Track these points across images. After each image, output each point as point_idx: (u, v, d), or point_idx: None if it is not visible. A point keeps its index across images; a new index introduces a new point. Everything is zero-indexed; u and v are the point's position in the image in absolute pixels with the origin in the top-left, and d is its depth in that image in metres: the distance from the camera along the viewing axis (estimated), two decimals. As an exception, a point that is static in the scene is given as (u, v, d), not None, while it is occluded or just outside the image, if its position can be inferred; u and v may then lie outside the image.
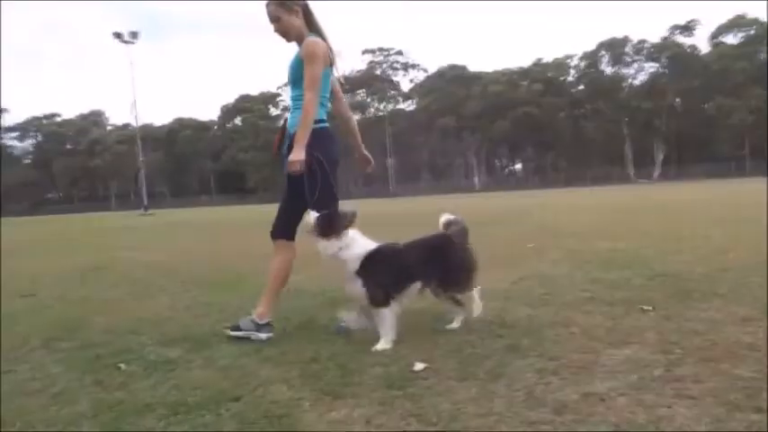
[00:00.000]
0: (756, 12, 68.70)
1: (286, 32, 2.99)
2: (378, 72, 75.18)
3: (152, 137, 73.54)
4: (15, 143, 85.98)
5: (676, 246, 5.50)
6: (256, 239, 10.17)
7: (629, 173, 62.05)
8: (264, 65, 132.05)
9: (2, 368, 2.63)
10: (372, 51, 74.97)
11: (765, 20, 58.39)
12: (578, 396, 1.91)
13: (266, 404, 2.01)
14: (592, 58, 66.63)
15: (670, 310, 2.97)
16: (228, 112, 79.43)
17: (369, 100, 76.22)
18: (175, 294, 4.41)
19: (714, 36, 64.74)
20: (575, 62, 69.12)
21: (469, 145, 68.42)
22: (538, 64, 71.03)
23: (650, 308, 3.04)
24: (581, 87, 68.71)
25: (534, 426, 1.72)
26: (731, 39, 64.10)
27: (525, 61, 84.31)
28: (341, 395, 2.06)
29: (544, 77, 68.11)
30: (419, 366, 2.30)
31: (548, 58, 70.89)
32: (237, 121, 79.08)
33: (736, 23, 63.37)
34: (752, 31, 62.43)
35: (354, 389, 2.11)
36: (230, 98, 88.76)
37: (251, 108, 77.81)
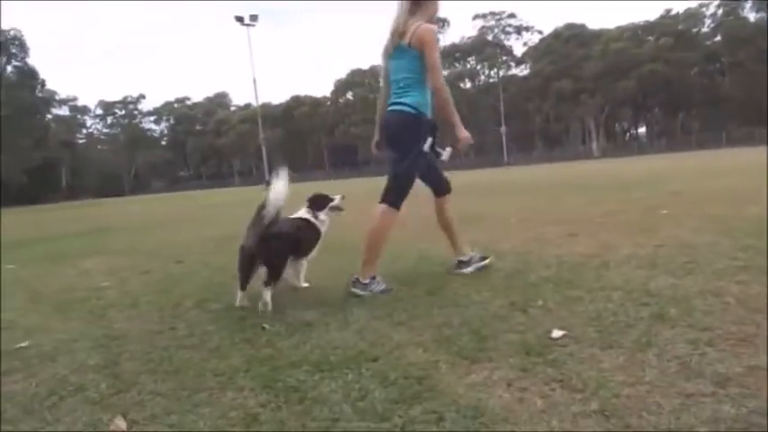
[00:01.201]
0: None
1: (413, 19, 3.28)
2: (489, 37, 72.89)
3: (271, 115, 77.27)
4: (153, 126, 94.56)
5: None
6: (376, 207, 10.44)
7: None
8: (374, 38, 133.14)
9: (165, 325, 2.93)
10: (483, 16, 72.74)
11: None
12: (742, 369, 1.76)
13: (404, 365, 2.06)
14: (731, 4, 59.71)
15: None
16: (340, 87, 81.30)
17: (479, 67, 74.33)
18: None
19: None
20: (710, 11, 62.41)
21: (588, 109, 64.69)
22: (667, 16, 65.05)
23: (819, 277, 2.71)
24: (717, 39, 62.03)
25: (692, 398, 1.61)
26: None
27: (652, 14, 77.57)
28: (477, 359, 2.06)
29: (674, 30, 62.26)
30: (557, 333, 2.24)
31: (679, 8, 64.64)
32: (349, 95, 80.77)
33: None
34: None
35: (491, 353, 2.10)
36: (342, 73, 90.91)
37: (361, 82, 79.04)
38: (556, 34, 69.05)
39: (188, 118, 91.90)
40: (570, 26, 68.37)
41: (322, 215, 3.69)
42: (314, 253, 3.62)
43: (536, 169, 35.25)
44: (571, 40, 66.72)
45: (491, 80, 73.63)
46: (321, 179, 67.96)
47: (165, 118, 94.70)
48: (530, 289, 3.00)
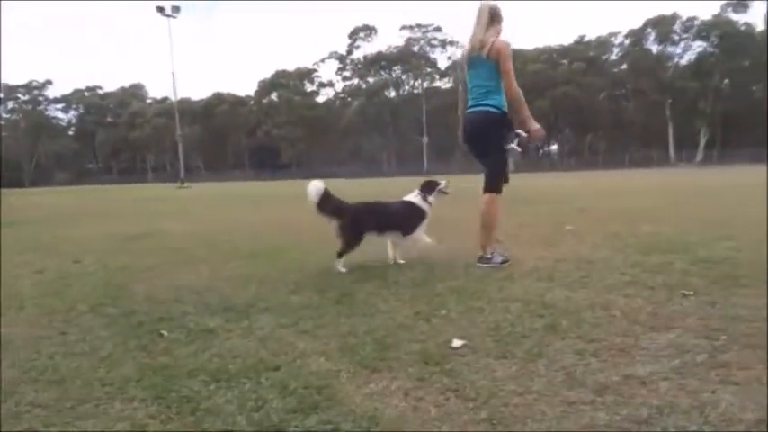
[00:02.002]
0: (816, -12, 65.11)
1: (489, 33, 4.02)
2: (415, 49, 74.30)
3: (190, 110, 74.61)
4: (60, 114, 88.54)
5: (720, 231, 5.33)
6: (293, 213, 10.30)
7: (671, 156, 60.28)
8: (300, 41, 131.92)
9: (54, 330, 2.74)
10: (410, 27, 74.03)
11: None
12: (619, 378, 1.90)
13: (305, 375, 2.04)
14: (637, 36, 64.39)
15: (713, 296, 2.89)
16: (265, 87, 79.87)
17: (404, 77, 75.54)
18: (215, 264, 4.51)
19: (769, 13, 61.68)
20: (619, 40, 66.96)
21: (505, 124, 67.16)
22: (580, 42, 69.09)
23: (692, 293, 2.96)
24: (623, 67, 66.61)
25: (574, 406, 1.72)
26: (787, 17, 61.00)
27: (567, 39, 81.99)
28: (378, 369, 2.08)
29: (586, 56, 66.23)
30: (457, 343, 2.31)
31: (591, 36, 68.89)
32: (273, 96, 79.53)
33: (794, 0, 60.17)
34: (810, 9, 59.23)
35: (392, 363, 2.13)
36: (267, 73, 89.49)
37: (287, 84, 78.11)
38: (478, 51, 71.39)
39: (99, 108, 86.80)
40: (492, 44, 70.95)
41: (431, 197, 4.36)
42: (421, 232, 4.26)
43: (454, 179, 36.18)
44: (492, 57, 69.18)
45: (415, 91, 75.02)
46: (240, 179, 66.36)
47: (73, 106, 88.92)
48: (436, 299, 3.08)
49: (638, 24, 64.42)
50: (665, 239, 4.99)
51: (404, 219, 4.20)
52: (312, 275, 3.89)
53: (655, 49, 64.07)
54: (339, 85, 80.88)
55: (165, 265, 4.56)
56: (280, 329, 2.63)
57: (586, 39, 68.78)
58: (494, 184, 4.08)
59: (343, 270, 3.93)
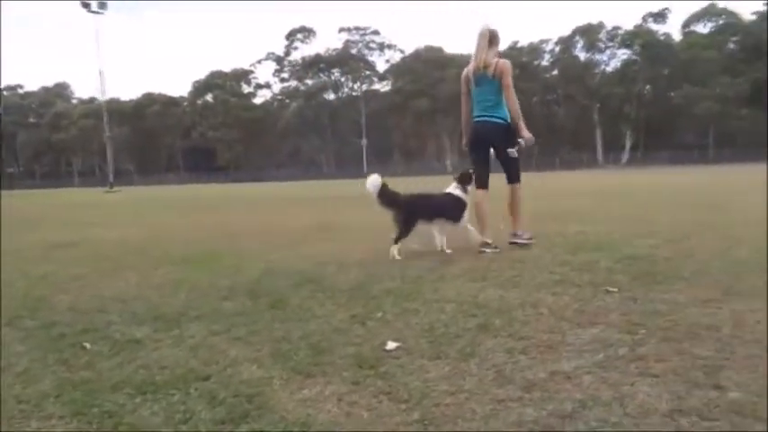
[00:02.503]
0: (726, 2, 70.02)
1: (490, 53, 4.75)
2: (354, 51, 74.43)
3: (119, 111, 71.65)
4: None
5: (643, 230, 5.62)
6: (228, 217, 10.07)
7: (599, 158, 63.12)
8: (236, 41, 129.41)
9: (-38, 346, 2.56)
10: (349, 30, 74.11)
11: (735, 10, 59.53)
12: (546, 374, 1.96)
13: (236, 383, 2.00)
14: (567, 43, 67.09)
15: (635, 292, 3.04)
16: (199, 87, 77.79)
17: (343, 80, 75.50)
18: (145, 272, 4.34)
19: (686, 25, 65.83)
20: (549, 47, 69.53)
21: (443, 127, 68.48)
22: (513, 48, 71.14)
23: (615, 289, 3.11)
24: (554, 72, 69.22)
25: (503, 403, 1.76)
26: (702, 28, 65.25)
27: (501, 45, 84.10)
28: (312, 374, 2.06)
29: (518, 61, 68.25)
30: (392, 345, 2.32)
31: (523, 42, 71.15)
32: (209, 97, 77.58)
33: (708, 12, 64.44)
34: (721, 21, 63.61)
35: (325, 368, 2.12)
36: (202, 74, 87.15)
37: (223, 84, 76.38)
38: (416, 54, 72.42)
39: (19, 108, 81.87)
40: (429, 48, 72.14)
41: (469, 187, 4.84)
42: (465, 220, 4.77)
43: (395, 181, 36.45)
44: (429, 61, 70.36)
45: (354, 93, 75.13)
46: (174, 183, 64.29)
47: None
48: (372, 301, 3.08)
49: (567, 32, 67.17)
50: (592, 238, 5.21)
51: (449, 209, 4.73)
52: (246, 281, 3.81)
53: (583, 56, 66.99)
54: (277, 87, 79.93)
55: (91, 274, 4.35)
56: (211, 337, 2.56)
57: (519, 45, 70.94)
58: (514, 175, 4.91)
59: (399, 257, 4.38)
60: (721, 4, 63.05)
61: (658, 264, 3.83)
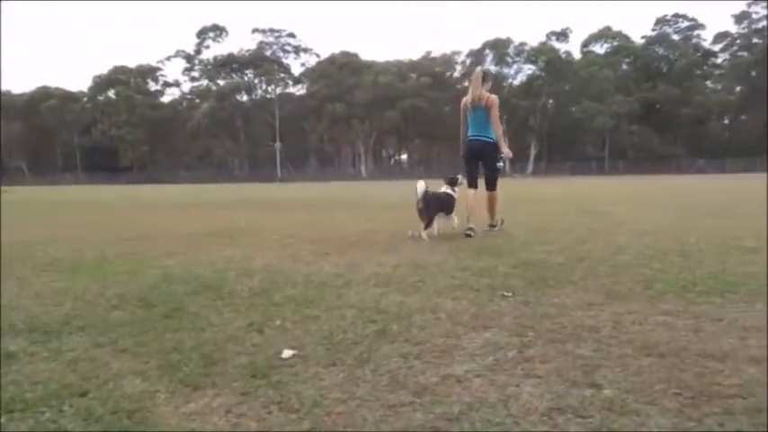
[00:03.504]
0: (620, 26, 75.49)
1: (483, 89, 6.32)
2: (268, 53, 73.21)
3: (11, 105, 66.11)
4: None
5: (542, 236, 5.92)
6: (126, 220, 9.52)
7: (506, 167, 65.90)
8: (144, 36, 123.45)
9: None
10: (263, 31, 72.83)
11: (627, 33, 64.44)
12: (438, 378, 1.99)
13: (116, 398, 1.88)
14: (477, 56, 69.70)
15: (528, 296, 3.19)
16: (101, 82, 73.37)
17: (256, 81, 74.04)
18: (25, 280, 4.00)
19: (585, 45, 70.39)
20: (461, 58, 71.92)
21: (358, 133, 68.90)
22: (427, 58, 72.98)
23: (510, 294, 3.24)
24: (465, 84, 71.54)
25: (393, 409, 1.77)
26: (599, 48, 70.06)
27: (415, 54, 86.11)
28: (201, 386, 1.98)
29: (432, 71, 70.16)
30: (287, 354, 2.27)
31: (436, 52, 73.11)
32: (111, 93, 73.33)
33: (603, 35, 69.33)
34: (615, 43, 68.63)
35: (216, 379, 2.04)
36: (104, 68, 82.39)
37: (126, 81, 72.53)
38: (332, 59, 72.43)
39: None
40: (345, 54, 72.38)
41: (456, 188, 6.26)
42: (454, 212, 6.19)
43: (309, 186, 36.23)
44: (345, 67, 70.62)
45: (268, 96, 73.87)
46: (71, 183, 60.14)
47: None
48: (272, 308, 3.02)
49: (477, 45, 69.81)
50: (493, 243, 5.41)
51: (447, 204, 6.12)
52: (140, 288, 3.61)
53: (492, 68, 69.82)
54: (186, 86, 77.00)
55: (-39, 282, 3.94)
56: (94, 350, 2.39)
57: (432, 55, 72.86)
58: (493, 184, 6.45)
59: (427, 239, 5.82)
60: (616, 28, 68.11)
61: (552, 269, 4.04)
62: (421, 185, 5.92)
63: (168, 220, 9.41)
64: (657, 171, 54.22)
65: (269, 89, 74.30)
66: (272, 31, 72.56)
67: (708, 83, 69.51)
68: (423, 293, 3.33)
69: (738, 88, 67.39)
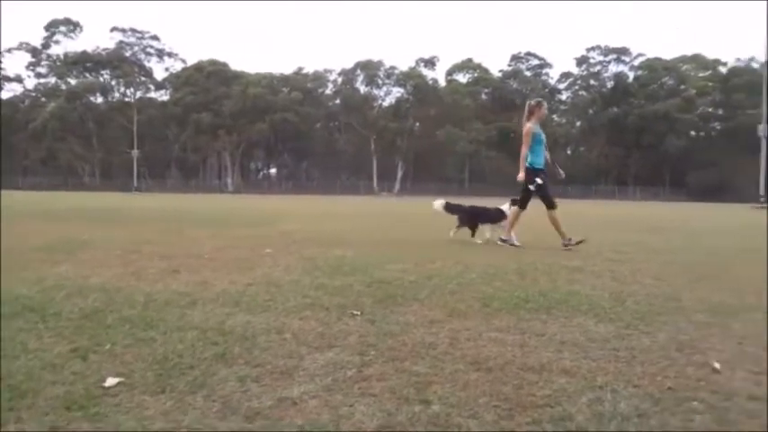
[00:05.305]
0: (481, 58, 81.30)
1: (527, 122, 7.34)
2: (128, 54, 68.63)
3: None
4: None
5: (397, 254, 6.11)
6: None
7: (375, 185, 67.60)
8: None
9: None
10: (123, 31, 68.18)
11: (487, 66, 69.65)
12: (273, 402, 1.96)
13: None
14: (349, 75, 71.02)
15: (375, 314, 3.26)
16: None
17: (114, 83, 68.99)
18: None
19: (449, 73, 74.74)
20: (333, 77, 72.82)
21: (225, 144, 66.72)
22: (299, 73, 72.91)
23: (359, 312, 3.29)
24: (337, 101, 72.62)
25: (222, 437, 1.70)
26: (462, 78, 74.79)
27: (287, 68, 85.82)
28: (4, 422, 1.76)
29: (304, 87, 70.21)
30: (111, 381, 2.10)
31: (309, 68, 73.30)
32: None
33: (466, 65, 74.17)
34: (476, 74, 73.75)
35: (22, 413, 1.82)
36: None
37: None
38: (199, 66, 69.66)
39: None
40: (213, 62, 70.02)
41: (509, 205, 7.61)
42: (503, 223, 7.59)
43: (168, 198, 34.26)
44: (213, 75, 68.28)
45: (126, 99, 69.13)
46: None
47: None
48: (102, 332, 2.78)
49: (349, 65, 71.16)
50: (351, 262, 5.49)
51: (491, 217, 7.88)
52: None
53: (363, 89, 71.62)
54: (31, 82, 69.55)
55: None
56: None
57: (304, 71, 72.98)
58: (521, 202, 7.45)
59: (479, 242, 7.68)
60: (477, 60, 73.28)
61: (403, 287, 4.17)
62: (438, 203, 8.29)
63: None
64: (511, 194, 58.85)
65: (128, 92, 69.54)
66: (133, 31, 68.23)
67: (554, 117, 77.08)
68: (271, 313, 3.27)
69: (578, 123, 75.56)
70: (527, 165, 7.24)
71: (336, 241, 7.65)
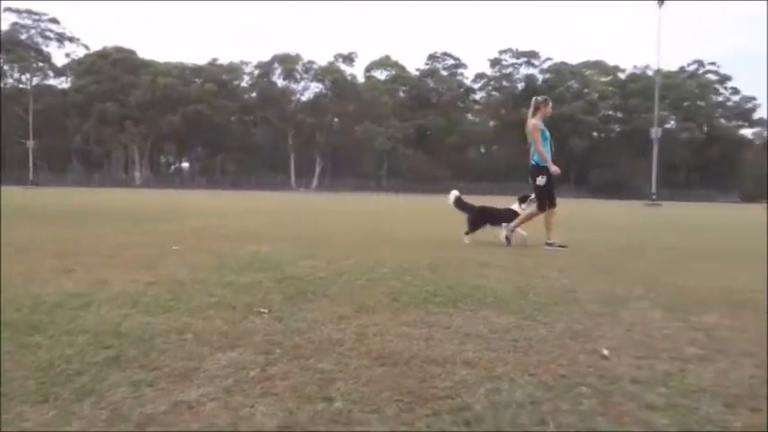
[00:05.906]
0: (399, 56, 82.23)
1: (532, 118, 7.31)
2: (23, 37, 63.50)
3: None
4: None
5: (311, 250, 6.05)
6: None
7: (292, 181, 66.74)
8: None
9: None
10: (18, 11, 62.98)
11: (404, 64, 70.55)
12: (167, 406, 1.87)
13: None
14: (266, 68, 69.54)
15: (283, 312, 3.20)
16: None
17: (7, 68, 63.66)
18: None
19: (368, 69, 75.03)
20: (249, 69, 71.02)
21: (132, 136, 63.37)
22: (213, 64, 70.53)
23: (266, 310, 3.22)
24: (253, 95, 70.92)
25: (107, 446, 1.60)
26: (380, 75, 75.31)
27: (201, 59, 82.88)
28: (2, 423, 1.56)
29: (218, 78, 67.98)
30: (-15, 393, 1.92)
31: (224, 59, 71.02)
32: None
33: (384, 63, 74.74)
34: (394, 72, 74.56)
35: None
36: None
37: None
38: (104, 53, 65.66)
39: None
40: (120, 49, 66.25)
41: (524, 205, 7.40)
42: (514, 223, 7.36)
43: (68, 192, 32.08)
44: (119, 63, 64.62)
45: (21, 86, 64.04)
46: None
47: None
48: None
49: (266, 57, 69.67)
50: (262, 258, 5.37)
51: (502, 216, 7.57)
52: None
53: (280, 83, 70.39)
54: None
55: None
56: None
57: (219, 62, 70.68)
58: (540, 203, 7.17)
59: (468, 242, 7.34)
60: (394, 57, 74.03)
61: (313, 283, 4.13)
62: (453, 193, 7.90)
63: None
64: (428, 191, 60.08)
65: (23, 78, 64.37)
66: (29, 12, 63.15)
67: (469, 116, 79.44)
68: (173, 313, 3.13)
69: (492, 122, 78.30)
70: (533, 162, 7.17)
71: (250, 237, 7.48)
